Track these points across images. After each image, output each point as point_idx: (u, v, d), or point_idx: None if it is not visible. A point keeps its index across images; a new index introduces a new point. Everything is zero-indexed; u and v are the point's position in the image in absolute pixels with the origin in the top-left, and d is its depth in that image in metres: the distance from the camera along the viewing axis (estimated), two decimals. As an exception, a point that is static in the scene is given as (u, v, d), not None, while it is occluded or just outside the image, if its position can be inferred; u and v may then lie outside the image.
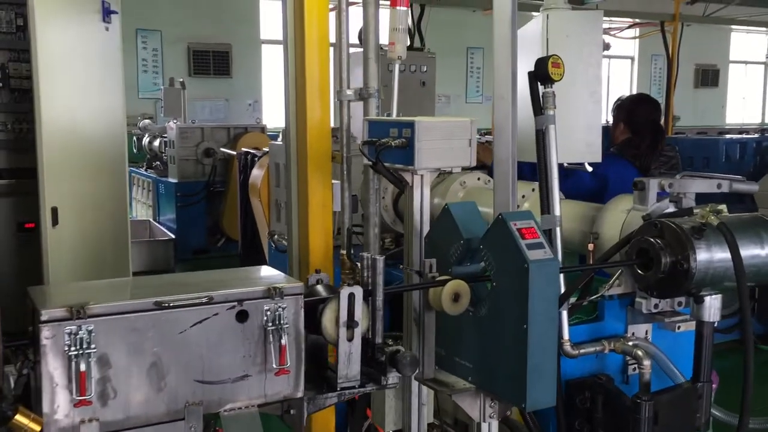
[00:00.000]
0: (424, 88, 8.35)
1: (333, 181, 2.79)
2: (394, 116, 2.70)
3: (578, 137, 3.13)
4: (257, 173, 5.23)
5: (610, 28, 13.77)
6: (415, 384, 2.34)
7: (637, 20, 14.30)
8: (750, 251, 2.43)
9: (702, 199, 2.76)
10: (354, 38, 2.69)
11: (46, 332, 1.49)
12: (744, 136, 7.63)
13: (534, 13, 3.32)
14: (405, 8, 2.64)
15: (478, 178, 3.73)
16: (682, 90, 16.87)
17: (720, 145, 6.89)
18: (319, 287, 1.96)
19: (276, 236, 3.95)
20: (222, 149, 8.86)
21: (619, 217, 2.82)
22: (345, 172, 2.68)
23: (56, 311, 1.50)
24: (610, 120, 4.49)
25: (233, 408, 1.69)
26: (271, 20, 14.49)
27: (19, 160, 3.95)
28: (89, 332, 1.51)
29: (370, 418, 2.81)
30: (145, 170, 10.48)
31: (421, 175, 2.37)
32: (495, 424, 2.45)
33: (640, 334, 2.88)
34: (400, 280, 2.66)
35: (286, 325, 1.70)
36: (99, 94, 3.07)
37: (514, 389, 2.00)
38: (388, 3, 2.71)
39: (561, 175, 2.72)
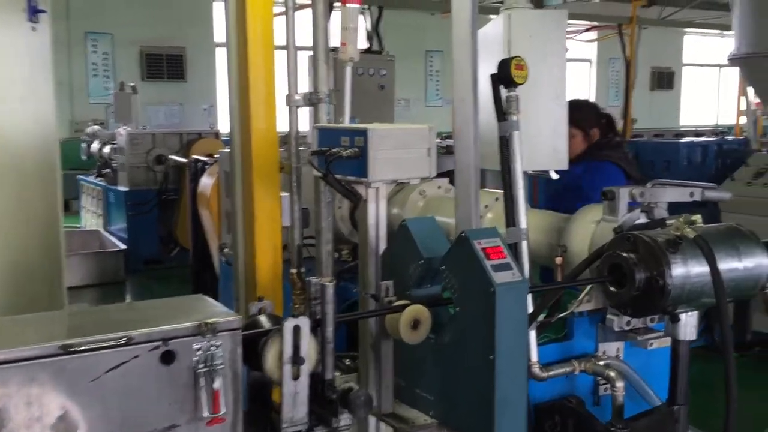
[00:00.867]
0: (383, 91, 8.17)
1: (282, 194, 2.56)
2: (346, 123, 2.49)
3: (543, 143, 2.95)
4: (206, 182, 4.97)
5: (568, 31, 13.74)
6: (372, 419, 2.13)
7: (596, 23, 14.36)
8: (727, 264, 2.28)
9: (672, 206, 2.61)
10: (302, 41, 2.47)
11: None
12: (705, 139, 7.60)
13: (492, 16, 3.14)
14: (356, 5, 2.45)
15: (439, 187, 3.54)
16: (639, 92, 16.99)
17: (681, 148, 6.83)
18: (262, 318, 1.75)
19: (226, 249, 3.72)
20: (172, 156, 8.54)
21: (588, 228, 2.66)
22: (294, 184, 2.46)
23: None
24: None
25: (160, 463, 1.46)
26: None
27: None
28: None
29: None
30: (95, 178, 10.08)
31: (376, 188, 2.17)
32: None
33: (611, 353, 2.72)
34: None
35: (221, 366, 1.48)
36: (23, 99, 2.80)
37: (479, 424, 1.80)
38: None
39: None
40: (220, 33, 14.20)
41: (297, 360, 1.60)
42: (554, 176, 3.21)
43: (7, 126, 2.78)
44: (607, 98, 18.53)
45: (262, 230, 2.50)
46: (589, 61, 19.28)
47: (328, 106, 2.38)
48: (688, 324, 2.36)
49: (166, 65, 14.03)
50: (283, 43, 2.37)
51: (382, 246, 2.17)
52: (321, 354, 1.70)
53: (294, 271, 2.53)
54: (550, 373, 2.53)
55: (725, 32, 18.12)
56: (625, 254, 2.24)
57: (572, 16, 13.67)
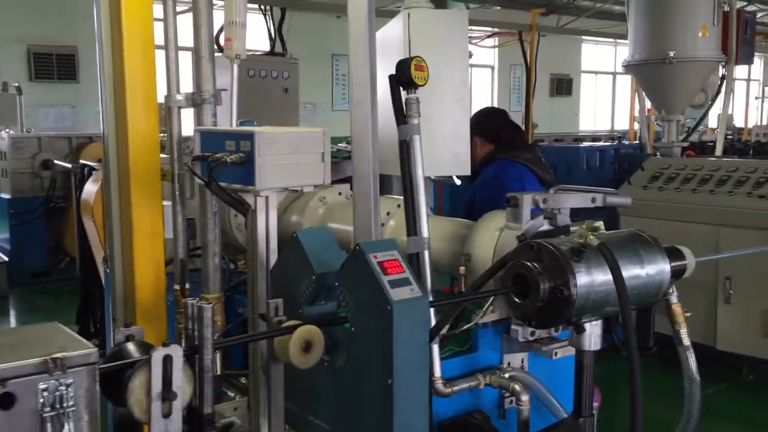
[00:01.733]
0: (287, 95, 7.97)
1: (164, 203, 2.34)
2: (233, 125, 2.29)
3: (444, 147, 2.85)
4: (90, 188, 4.63)
5: (471, 37, 13.94)
6: (261, 450, 1.95)
7: (497, 30, 14.61)
8: (630, 271, 2.22)
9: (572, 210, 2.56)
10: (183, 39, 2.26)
11: None
12: (603, 144, 7.79)
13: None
14: (242, -2, 2.26)
15: (340, 193, 3.40)
16: (539, 98, 17.39)
17: (581, 153, 6.95)
18: (130, 346, 1.53)
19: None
20: (58, 162, 8.02)
21: (492, 236, 2.56)
22: (177, 192, 2.24)
23: None
24: None
25: None
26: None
27: None
28: None
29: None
30: (-24, 185, 9.37)
31: (266, 197, 1.99)
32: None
33: (516, 364, 2.64)
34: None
35: (72, 408, 1.26)
36: None
37: (379, 454, 1.65)
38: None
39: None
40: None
41: (168, 395, 1.40)
42: (457, 182, 3.11)
43: None
44: (509, 104, 18.92)
45: (141, 243, 2.27)
46: (492, 67, 19.64)
47: (213, 107, 2.18)
48: (593, 334, 2.29)
49: (56, 65, 13.24)
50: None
51: (273, 259, 2.00)
52: (198, 385, 1.51)
53: (177, 287, 2.32)
54: (455, 388, 2.42)
55: (619, 41, 18.87)
56: (529, 263, 2.14)
57: (474, 22, 13.88)
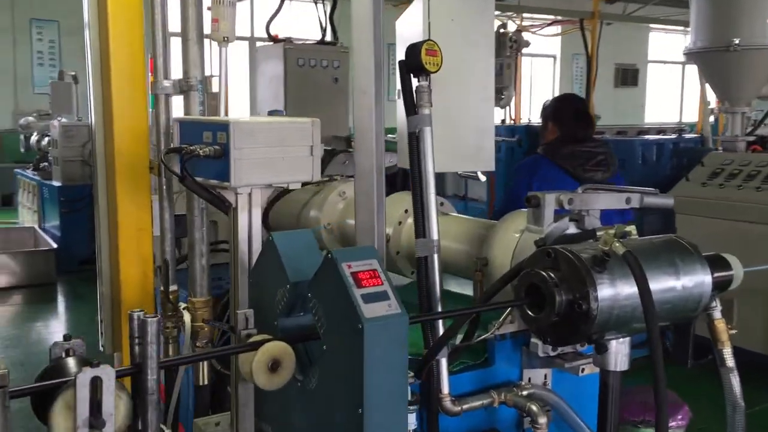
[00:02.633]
0: (337, 84, 7.80)
1: (153, 198, 2.19)
2: (222, 116, 2.11)
3: (467, 141, 2.61)
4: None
5: (531, 25, 13.52)
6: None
7: (559, 17, 14.12)
8: (663, 284, 1.96)
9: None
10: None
11: None
12: (661, 137, 7.33)
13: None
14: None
15: (361, 188, 3.20)
16: (603, 89, 16.82)
17: (636, 147, 6.55)
18: (70, 362, 1.37)
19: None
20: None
21: (511, 239, 2.33)
22: (164, 187, 2.08)
23: None
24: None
25: None
26: None
27: None
28: None
29: None
30: (32, 172, 9.56)
31: (249, 194, 1.81)
32: None
33: (537, 380, 2.40)
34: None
35: (-26, 439, 1.11)
36: None
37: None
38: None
39: None
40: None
41: (97, 423, 1.24)
42: (482, 178, 2.88)
43: None
44: (571, 95, 18.35)
45: (127, 240, 2.13)
46: (554, 56, 19.09)
47: (201, 94, 2.01)
48: (619, 353, 2.04)
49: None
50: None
51: (257, 263, 1.81)
52: (141, 409, 1.34)
53: (166, 288, 2.16)
54: (464, 406, 2.20)
55: (688, 29, 18.03)
56: (544, 273, 1.90)
57: (535, 10, 13.45)
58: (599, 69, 12.42)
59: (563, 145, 3.69)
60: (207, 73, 2.08)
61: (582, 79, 18.87)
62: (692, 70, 19.11)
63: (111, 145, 2.10)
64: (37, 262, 7.78)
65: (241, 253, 1.82)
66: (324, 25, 8.93)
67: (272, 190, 1.86)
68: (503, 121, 11.05)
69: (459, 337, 2.30)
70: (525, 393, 2.29)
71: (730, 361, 2.29)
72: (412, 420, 2.13)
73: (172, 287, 2.14)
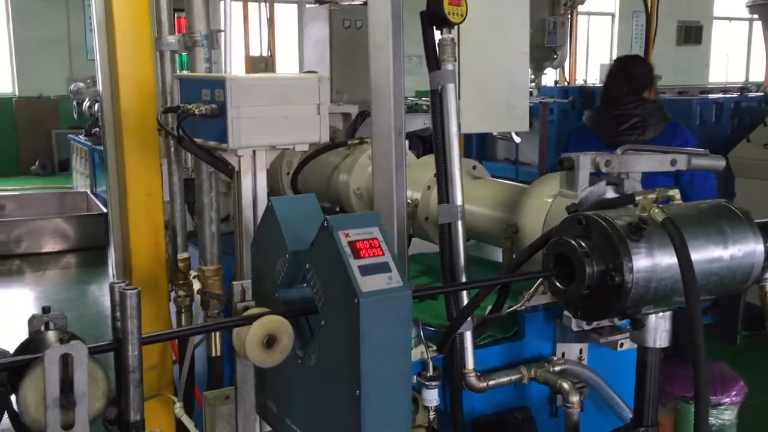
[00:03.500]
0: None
1: (164, 162, 2.10)
2: (224, 71, 1.99)
3: (499, 99, 2.44)
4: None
5: (586, -18, 12.96)
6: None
7: (616, -27, 13.50)
8: (708, 253, 1.77)
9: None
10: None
11: None
12: (721, 96, 6.91)
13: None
14: None
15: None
16: (664, 48, 16.11)
17: (694, 106, 6.19)
18: (50, 335, 1.29)
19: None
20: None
21: (543, 204, 2.16)
22: (172, 149, 1.99)
23: None
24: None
25: None
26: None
27: None
28: None
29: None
30: (84, 138, 9.70)
31: (252, 156, 1.69)
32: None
33: (572, 355, 2.24)
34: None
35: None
36: None
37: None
38: None
39: None
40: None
41: (68, 402, 1.15)
42: (516, 139, 2.70)
43: None
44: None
45: (136, 205, 2.04)
46: (612, 14, 18.36)
47: (207, 50, 1.89)
48: (659, 328, 1.86)
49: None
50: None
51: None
52: (121, 388, 1.25)
53: (180, 256, 2.08)
54: (491, 382, 2.07)
55: (757, -17, 17.05)
56: (573, 242, 1.74)
57: (591, -35, 12.86)
58: (660, 26, 11.85)
59: (598, 110, 3.52)
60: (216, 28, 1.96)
61: (642, 39, 18.09)
62: (759, 27, 18.16)
63: (117, 105, 2.00)
64: (88, 226, 7.93)
65: (246, 219, 1.71)
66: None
67: (278, 152, 1.74)
68: (556, 82, 10.67)
69: (488, 309, 2.17)
70: (557, 369, 2.14)
71: (785, 338, 2.10)
72: (434, 396, 2.02)
73: (184, 254, 2.06)
